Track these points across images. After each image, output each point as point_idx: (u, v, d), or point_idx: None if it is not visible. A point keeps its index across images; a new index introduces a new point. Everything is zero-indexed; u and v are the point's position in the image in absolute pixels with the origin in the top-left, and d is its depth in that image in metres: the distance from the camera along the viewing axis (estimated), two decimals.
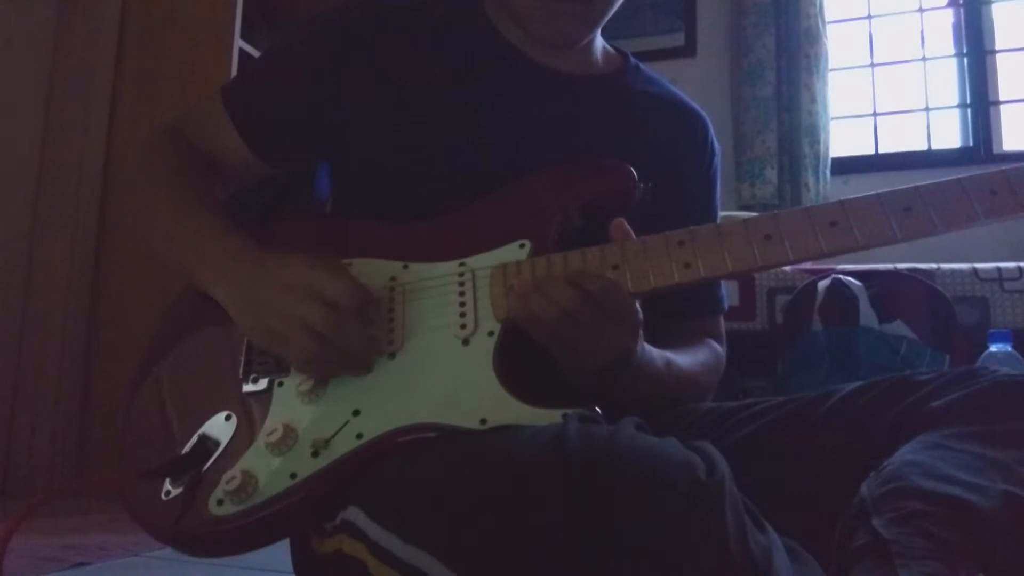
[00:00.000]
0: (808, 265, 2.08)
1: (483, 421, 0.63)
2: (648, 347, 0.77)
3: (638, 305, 0.71)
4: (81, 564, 1.26)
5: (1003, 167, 0.69)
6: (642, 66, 0.98)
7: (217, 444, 0.68)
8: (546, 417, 0.61)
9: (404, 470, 0.61)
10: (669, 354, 0.81)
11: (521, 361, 0.69)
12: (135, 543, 1.39)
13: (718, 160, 0.99)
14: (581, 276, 0.67)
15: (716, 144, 0.99)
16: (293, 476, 0.64)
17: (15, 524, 0.64)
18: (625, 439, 0.54)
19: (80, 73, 2.10)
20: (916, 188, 0.69)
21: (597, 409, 0.62)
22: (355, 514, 0.60)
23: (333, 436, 0.65)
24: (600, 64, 0.94)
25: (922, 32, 2.97)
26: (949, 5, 2.93)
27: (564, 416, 0.61)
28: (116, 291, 2.05)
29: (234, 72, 2.04)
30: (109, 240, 2.08)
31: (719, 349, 0.95)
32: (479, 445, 0.59)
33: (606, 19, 0.88)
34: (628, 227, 0.72)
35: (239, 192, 0.94)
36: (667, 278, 0.69)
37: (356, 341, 0.67)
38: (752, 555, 0.52)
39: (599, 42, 0.95)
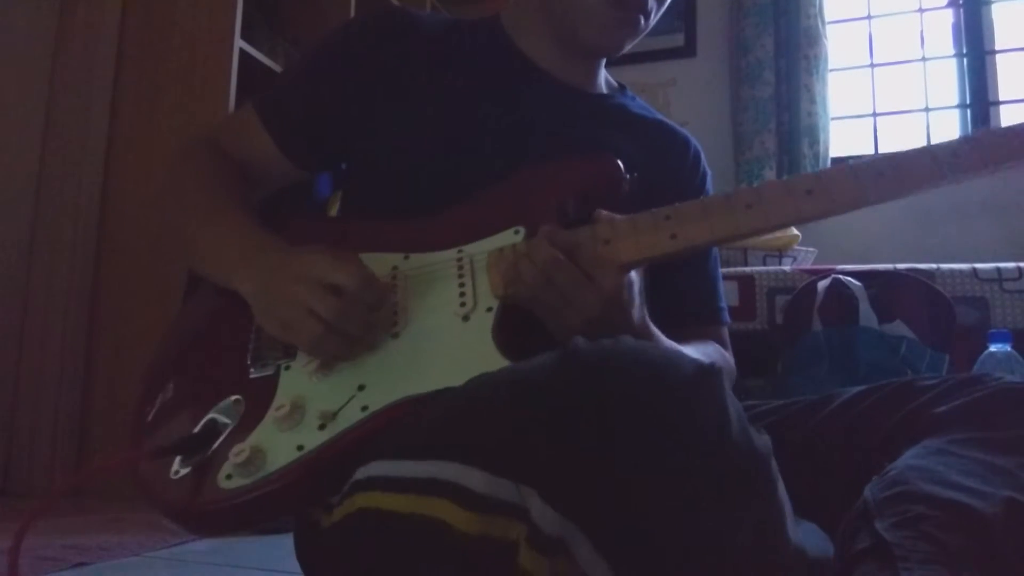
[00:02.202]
0: (808, 265, 2.08)
1: None
2: (655, 330, 0.79)
3: (635, 278, 0.74)
4: (81, 564, 1.26)
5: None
6: (637, 97, 1.04)
7: (226, 425, 0.70)
8: None
9: (411, 414, 0.63)
10: (679, 345, 0.83)
11: (521, 339, 0.70)
12: (135, 543, 1.39)
13: (710, 182, 1.04)
14: (559, 238, 0.71)
15: (708, 169, 1.04)
16: (300, 448, 0.66)
17: (34, 515, 0.65)
18: (630, 340, 0.57)
19: (80, 73, 2.10)
20: (887, 155, 0.72)
21: None
22: (363, 470, 0.61)
23: (340, 409, 0.67)
24: (603, 88, 1.01)
25: (922, 32, 2.97)
26: (949, 5, 2.94)
27: None
28: (116, 291, 2.05)
29: (235, 73, 2.04)
30: (109, 240, 2.08)
31: (727, 356, 0.96)
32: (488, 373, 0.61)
33: (645, 32, 0.93)
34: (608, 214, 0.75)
35: None
36: (656, 249, 0.72)
37: (359, 324, 0.70)
38: (754, 443, 0.53)
39: (603, 71, 1.01)
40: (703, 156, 1.04)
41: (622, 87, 1.04)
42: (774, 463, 0.54)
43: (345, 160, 0.96)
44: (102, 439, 1.98)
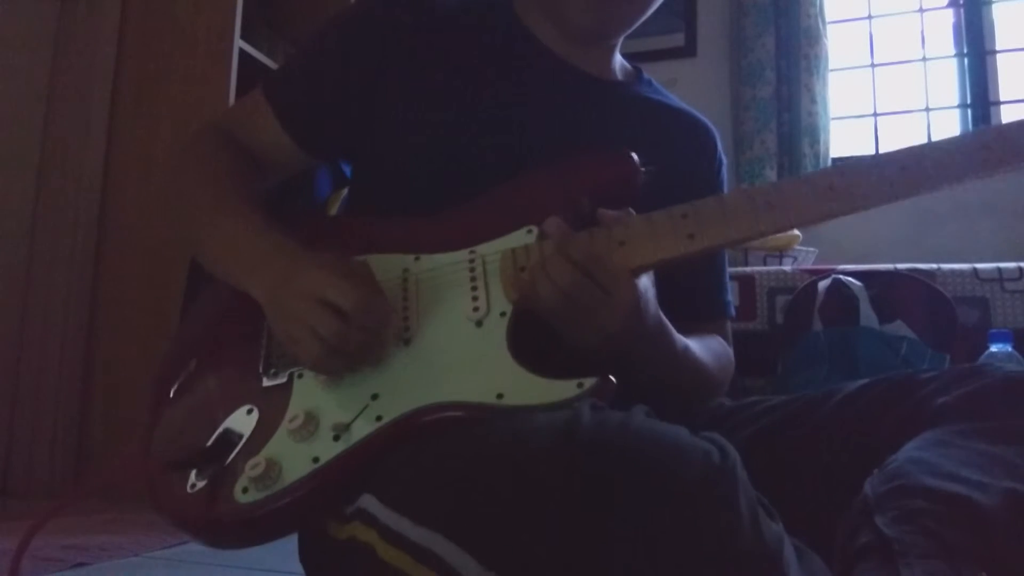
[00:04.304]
0: (808, 265, 2.08)
1: (500, 396, 0.64)
2: (670, 328, 0.78)
3: (647, 280, 0.72)
4: (81, 564, 1.26)
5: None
6: (654, 81, 1.02)
7: (240, 437, 0.69)
8: (561, 388, 0.63)
9: (416, 456, 0.61)
10: (688, 341, 0.83)
11: (535, 339, 0.70)
12: (135, 543, 1.39)
13: (725, 171, 1.02)
14: (577, 252, 0.69)
15: (723, 156, 1.02)
16: (315, 460, 0.65)
17: (45, 519, 0.65)
18: (637, 425, 0.55)
19: (80, 73, 2.10)
20: (911, 148, 0.70)
21: (612, 378, 0.63)
22: (367, 501, 0.60)
23: (353, 420, 0.66)
24: (619, 73, 0.98)
25: (922, 32, 2.97)
26: (949, 5, 2.93)
27: (579, 385, 0.62)
28: (116, 291, 2.05)
29: (235, 73, 2.04)
30: (109, 240, 2.08)
31: (728, 349, 0.96)
32: (491, 430, 0.59)
33: (639, 21, 0.91)
34: (611, 213, 0.74)
35: None
36: (673, 250, 0.71)
37: (360, 346, 0.68)
38: (764, 540, 0.52)
39: (618, 56, 0.98)
40: (719, 143, 1.01)
41: (638, 71, 1.01)
42: (786, 551, 0.54)
43: (355, 148, 0.94)
44: (102, 439, 1.98)
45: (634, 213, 0.73)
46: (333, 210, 1.06)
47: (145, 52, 2.12)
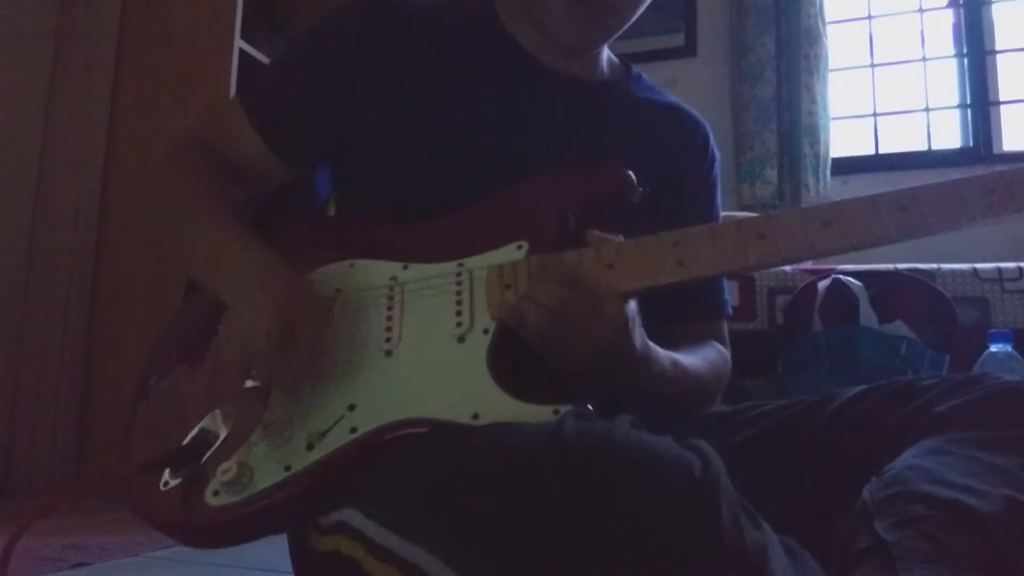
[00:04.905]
0: (808, 265, 2.08)
1: (475, 416, 0.63)
2: (653, 346, 0.77)
3: (634, 304, 0.71)
4: (81, 564, 1.26)
5: (1003, 167, 0.69)
6: (644, 76, 0.99)
7: (216, 438, 0.69)
8: (538, 413, 0.61)
9: (399, 467, 0.61)
10: (676, 355, 0.81)
11: (518, 359, 0.69)
12: (135, 543, 1.39)
13: (718, 167, 1.00)
14: (562, 275, 0.68)
15: (716, 151, 1.00)
16: (288, 468, 0.65)
17: (23, 528, 0.65)
18: (621, 435, 0.54)
19: (80, 72, 2.10)
20: (911, 189, 0.68)
21: (589, 407, 0.62)
22: (350, 515, 0.60)
23: (328, 430, 0.66)
24: (605, 72, 0.96)
25: (922, 32, 2.97)
26: (949, 5, 2.93)
27: (555, 412, 0.61)
28: (116, 290, 2.05)
29: (235, 72, 2.04)
30: (109, 238, 2.08)
31: (725, 352, 0.94)
32: (475, 441, 0.59)
33: (621, 31, 0.90)
34: (599, 234, 0.73)
35: None
36: (660, 276, 0.69)
37: (290, 372, 0.69)
38: (747, 550, 0.52)
39: (605, 51, 0.96)
40: (712, 138, 0.99)
41: (627, 67, 0.99)
42: (771, 560, 0.53)
43: (337, 156, 0.93)
44: (102, 440, 1.98)
45: (622, 238, 0.72)
46: (333, 209, 1.05)
47: (145, 52, 2.12)
